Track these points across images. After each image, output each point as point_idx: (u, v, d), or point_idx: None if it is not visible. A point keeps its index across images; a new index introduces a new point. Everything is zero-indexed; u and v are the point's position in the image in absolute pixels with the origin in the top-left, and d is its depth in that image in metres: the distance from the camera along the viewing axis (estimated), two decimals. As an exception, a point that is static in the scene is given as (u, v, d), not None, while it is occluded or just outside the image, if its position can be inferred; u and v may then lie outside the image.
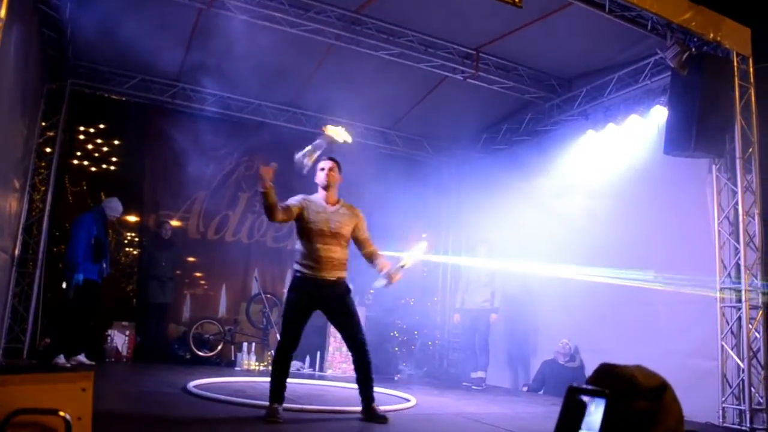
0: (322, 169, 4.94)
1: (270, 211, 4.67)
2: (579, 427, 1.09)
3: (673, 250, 7.02)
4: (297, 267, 4.86)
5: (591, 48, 7.61)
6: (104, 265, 7.56)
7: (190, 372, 7.13)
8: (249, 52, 7.32)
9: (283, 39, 7.35)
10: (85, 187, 9.10)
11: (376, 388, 4.98)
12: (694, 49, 6.37)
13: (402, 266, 4.84)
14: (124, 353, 8.38)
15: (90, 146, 9.26)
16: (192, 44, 7.92)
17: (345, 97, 8.32)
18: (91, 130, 9.27)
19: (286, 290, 5.15)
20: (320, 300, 4.82)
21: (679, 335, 6.82)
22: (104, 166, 9.33)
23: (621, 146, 7.93)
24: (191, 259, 9.74)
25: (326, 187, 4.94)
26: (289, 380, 4.88)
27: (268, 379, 4.83)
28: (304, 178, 5.05)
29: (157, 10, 6.99)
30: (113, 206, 7.78)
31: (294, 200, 4.92)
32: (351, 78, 8.27)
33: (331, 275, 4.80)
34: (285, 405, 4.84)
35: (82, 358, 7.42)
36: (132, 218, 9.45)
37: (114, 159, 9.38)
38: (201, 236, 9.72)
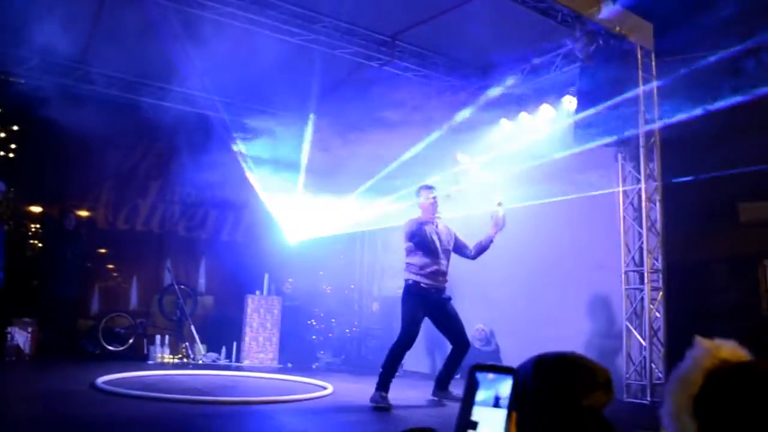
0: (433, 199, 5.92)
1: None
2: (472, 403, 1.10)
3: (581, 234, 7.28)
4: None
5: (504, 38, 7.75)
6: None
7: (100, 367, 6.83)
8: (158, 35, 7.05)
9: (194, 22, 7.09)
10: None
11: (291, 377, 4.97)
12: (601, 42, 6.60)
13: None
14: (27, 351, 7.94)
15: (-15, 132, 8.67)
16: (98, 24, 7.53)
17: (257, 82, 8.15)
18: (-14, 115, 8.68)
19: None
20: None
21: (588, 317, 7.11)
22: (1, 153, 8.75)
23: (533, 134, 8.13)
24: (100, 250, 9.34)
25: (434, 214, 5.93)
26: (205, 372, 4.84)
27: (182, 372, 4.72)
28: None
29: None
30: None
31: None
32: (263, 62, 8.06)
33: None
34: (200, 398, 4.74)
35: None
36: (35, 209, 8.94)
37: (12, 146, 8.82)
38: (110, 226, 9.34)
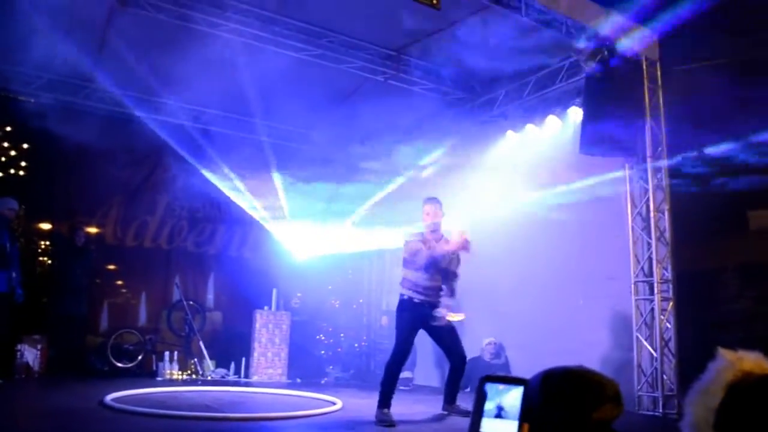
0: (435, 213, 5.76)
1: None
2: (481, 414, 1.09)
3: (590, 246, 7.24)
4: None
5: (510, 50, 7.76)
6: (14, 275, 7.13)
7: (109, 384, 6.81)
8: (167, 52, 7.11)
9: (202, 40, 7.15)
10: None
11: (300, 393, 4.94)
12: (606, 53, 6.60)
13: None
14: (36, 368, 7.94)
15: (-4, 150, 8.74)
16: (105, 43, 7.60)
17: (263, 97, 8.20)
18: (-3, 133, 8.75)
19: None
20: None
21: (598, 328, 7.06)
22: (12, 171, 8.82)
23: (540, 146, 8.13)
24: (109, 266, 9.37)
25: (436, 230, 5.76)
26: (213, 388, 4.82)
27: (191, 388, 4.71)
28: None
29: (66, 6, 6.67)
30: (5, 202, 7.30)
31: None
32: (270, 79, 8.12)
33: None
34: (209, 414, 4.72)
35: (-11, 375, 6.98)
36: (44, 226, 8.98)
37: (23, 164, 8.89)
38: (119, 243, 9.37)
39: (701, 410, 1.14)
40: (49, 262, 8.95)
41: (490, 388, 1.11)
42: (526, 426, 1.08)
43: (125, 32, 7.20)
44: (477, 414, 1.10)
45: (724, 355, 1.18)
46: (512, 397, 1.10)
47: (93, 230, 9.09)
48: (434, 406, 5.98)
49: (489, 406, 1.10)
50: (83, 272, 8.50)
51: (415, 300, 5.56)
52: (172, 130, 9.20)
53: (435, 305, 5.61)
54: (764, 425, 1.07)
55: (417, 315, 5.55)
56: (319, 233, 9.75)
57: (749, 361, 1.16)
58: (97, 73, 8.29)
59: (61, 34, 6.80)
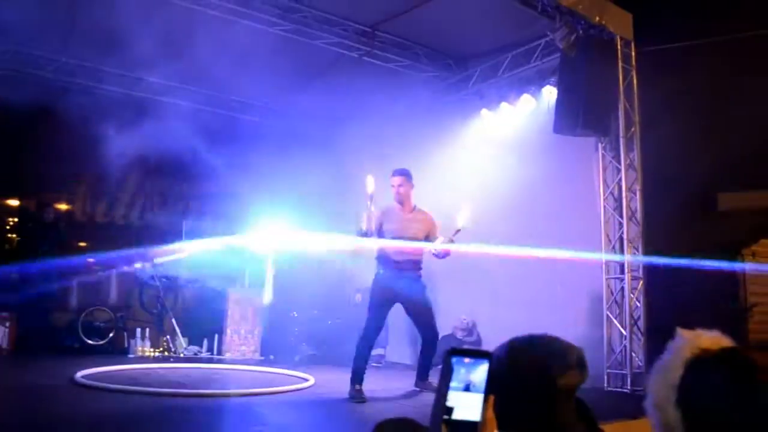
0: (393, 186, 5.72)
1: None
2: (448, 388, 1.09)
3: (562, 225, 7.30)
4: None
5: (485, 28, 7.74)
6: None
7: (79, 362, 6.72)
8: (138, 25, 6.94)
9: (174, 12, 6.99)
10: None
11: (273, 370, 4.95)
12: (581, 32, 6.60)
13: (458, 231, 5.61)
14: (5, 345, 7.83)
15: (-42, 123, 8.50)
16: (75, 16, 7.41)
17: (239, 74, 8.07)
18: (-40, 106, 8.50)
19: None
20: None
21: (569, 306, 7.14)
22: (-24, 144, 8.60)
23: (514, 125, 8.14)
24: (79, 243, 9.23)
25: (401, 202, 5.74)
26: (186, 365, 4.82)
27: (163, 365, 4.69)
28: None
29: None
30: None
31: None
32: (244, 53, 8.00)
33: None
34: (181, 391, 4.71)
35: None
36: (12, 202, 8.82)
37: (-13, 137, 8.67)
38: (88, 219, 9.23)
39: (663, 388, 1.17)
40: (17, 238, 8.79)
41: (456, 361, 1.11)
42: (491, 397, 1.08)
43: (94, 5, 7.01)
44: (443, 388, 1.10)
45: (683, 333, 1.22)
46: (480, 371, 1.10)
47: (62, 207, 8.94)
48: (407, 382, 6.03)
49: (455, 379, 1.10)
50: (52, 248, 8.36)
51: (386, 275, 5.55)
52: (145, 105, 9.00)
53: (411, 279, 5.60)
54: (722, 398, 1.11)
55: (388, 290, 5.53)
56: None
57: (707, 338, 1.20)
58: (67, 46, 8.08)
59: (29, 4, 6.59)
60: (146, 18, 6.83)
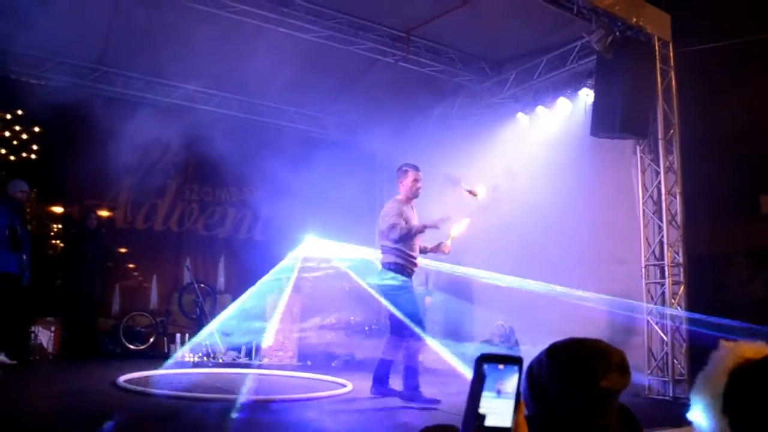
0: (417, 182, 5.67)
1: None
2: (480, 395, 1.09)
3: (600, 229, 7.21)
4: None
5: (519, 31, 7.68)
6: (24, 258, 7.16)
7: (121, 366, 6.88)
8: (175, 34, 7.09)
9: (209, 21, 7.12)
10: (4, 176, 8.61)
11: (311, 375, 4.96)
12: (618, 33, 6.52)
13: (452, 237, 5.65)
14: (50, 350, 8.03)
15: (7, 133, 8.77)
16: (113, 25, 7.59)
17: (272, 81, 8.16)
18: (8, 117, 8.77)
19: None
20: None
21: (609, 312, 7.02)
22: (23, 154, 8.85)
23: (550, 128, 8.06)
24: (121, 249, 9.43)
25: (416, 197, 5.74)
26: (224, 370, 4.86)
27: (202, 370, 4.76)
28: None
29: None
30: (16, 185, 7.30)
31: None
32: (279, 61, 8.08)
33: None
34: (219, 395, 4.75)
35: (2, 357, 7.05)
36: (56, 209, 9.05)
37: (34, 147, 8.92)
38: (129, 226, 9.42)
39: (708, 397, 1.22)
40: (62, 245, 9.02)
41: (488, 367, 1.11)
42: (522, 404, 1.08)
43: (135, 15, 7.17)
44: (475, 394, 1.09)
45: (724, 344, 1.27)
46: (511, 376, 1.10)
47: (104, 213, 9.14)
48: (442, 387, 5.96)
49: (487, 386, 1.09)
50: (95, 255, 8.56)
51: (409, 282, 5.57)
52: (183, 114, 9.17)
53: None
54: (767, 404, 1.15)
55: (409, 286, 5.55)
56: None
57: (749, 348, 1.24)
58: (107, 56, 8.29)
59: (71, 14, 6.77)
60: (185, 28, 6.98)
